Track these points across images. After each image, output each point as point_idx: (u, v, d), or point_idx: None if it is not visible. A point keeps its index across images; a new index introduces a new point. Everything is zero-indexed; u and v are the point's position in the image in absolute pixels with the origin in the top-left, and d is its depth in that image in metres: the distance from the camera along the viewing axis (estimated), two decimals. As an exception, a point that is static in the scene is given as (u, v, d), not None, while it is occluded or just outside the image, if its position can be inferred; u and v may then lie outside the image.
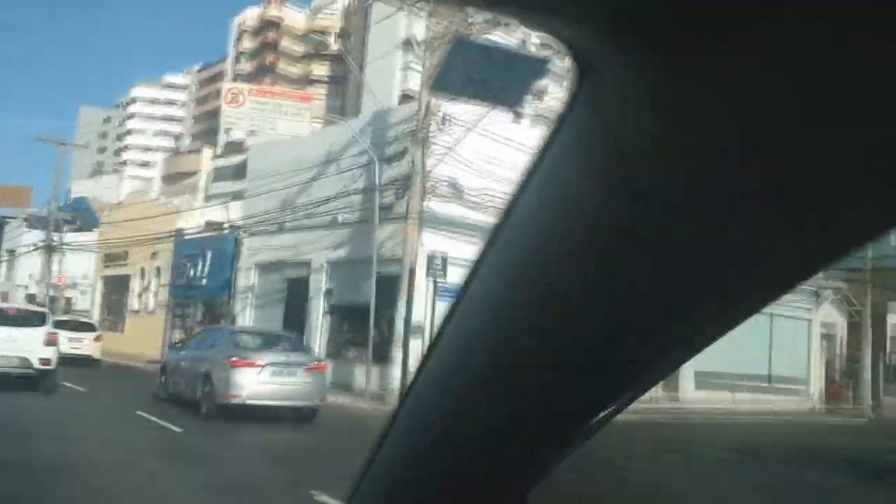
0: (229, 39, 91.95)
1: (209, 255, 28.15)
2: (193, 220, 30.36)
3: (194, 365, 14.30)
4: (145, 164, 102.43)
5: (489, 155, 18.84)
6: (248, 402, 12.78)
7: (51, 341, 15.31)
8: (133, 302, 33.23)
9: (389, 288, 19.59)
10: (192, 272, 29.03)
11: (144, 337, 30.86)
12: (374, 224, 19.51)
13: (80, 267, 39.08)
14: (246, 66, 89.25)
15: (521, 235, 0.73)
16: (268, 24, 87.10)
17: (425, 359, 0.88)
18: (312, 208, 22.67)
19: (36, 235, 40.08)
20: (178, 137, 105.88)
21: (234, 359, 13.09)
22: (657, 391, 23.28)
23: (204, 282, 28.33)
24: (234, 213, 28.54)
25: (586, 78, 0.59)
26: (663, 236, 0.61)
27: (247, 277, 26.42)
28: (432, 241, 19.30)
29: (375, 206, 19.45)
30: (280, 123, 19.95)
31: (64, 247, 35.61)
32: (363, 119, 23.26)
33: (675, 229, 0.60)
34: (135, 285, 33.30)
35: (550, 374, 0.74)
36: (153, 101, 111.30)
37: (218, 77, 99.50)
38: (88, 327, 26.62)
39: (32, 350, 14.78)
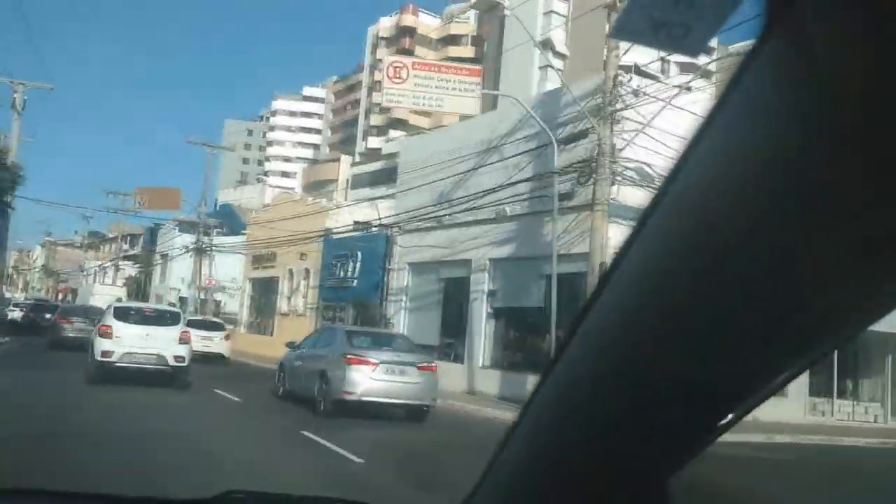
0: (365, 49, 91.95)
1: (359, 256, 26.31)
2: (341, 220, 28.68)
3: (310, 363, 14.29)
4: (286, 174, 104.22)
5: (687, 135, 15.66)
6: (363, 398, 12.81)
7: (184, 339, 15.72)
8: (282, 304, 31.98)
9: (566, 289, 16.81)
10: (341, 273, 27.31)
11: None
12: (553, 215, 16.78)
13: (228, 270, 38.57)
14: (380, 76, 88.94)
15: (680, 215, 0.68)
16: (402, 32, 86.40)
17: (559, 352, 0.86)
18: (472, 201, 20.22)
19: (187, 239, 40.16)
20: (316, 147, 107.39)
21: (349, 356, 13.06)
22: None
23: (354, 283, 26.51)
24: (384, 210, 26.58)
25: (786, 8, 0.53)
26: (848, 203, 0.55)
27: (400, 278, 24.32)
28: (619, 235, 16.35)
29: (555, 196, 16.72)
30: (446, 100, 17.60)
31: (213, 249, 35.04)
32: (530, 100, 20.51)
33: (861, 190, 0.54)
34: (283, 287, 32.05)
35: (692, 363, 0.72)
36: (292, 114, 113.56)
37: (353, 88, 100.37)
38: (218, 326, 27.12)
39: (167, 348, 15.22)
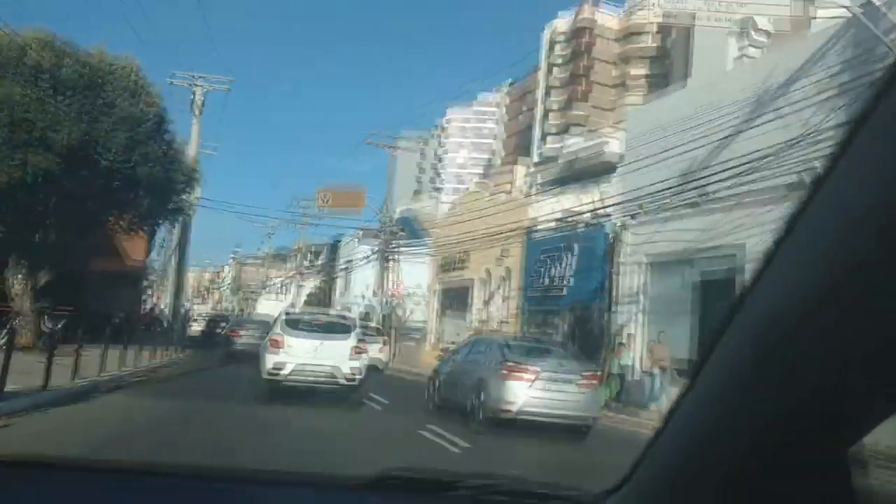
0: (540, 51, 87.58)
1: (574, 252, 21.58)
2: (544, 212, 24.07)
3: (465, 374, 13.31)
4: (461, 184, 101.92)
5: None
6: (521, 413, 11.74)
7: (359, 351, 13.91)
8: (476, 313, 27.81)
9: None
10: (550, 275, 22.69)
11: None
12: None
13: (413, 278, 35.17)
14: (559, 75, 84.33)
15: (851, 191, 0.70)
16: (580, 30, 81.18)
17: (727, 321, 0.87)
18: (742, 170, 14.93)
19: (369, 249, 37.40)
20: (491, 156, 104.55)
21: (506, 366, 12.10)
22: None
23: (568, 287, 21.79)
24: (597, 200, 21.64)
25: None
26: None
27: (632, 278, 19.27)
28: None
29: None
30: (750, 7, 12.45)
31: (399, 251, 31.65)
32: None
33: None
34: (477, 294, 27.89)
35: (872, 330, 0.72)
36: (465, 123, 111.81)
37: (528, 92, 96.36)
38: (377, 334, 26.67)
39: (340, 361, 13.46)
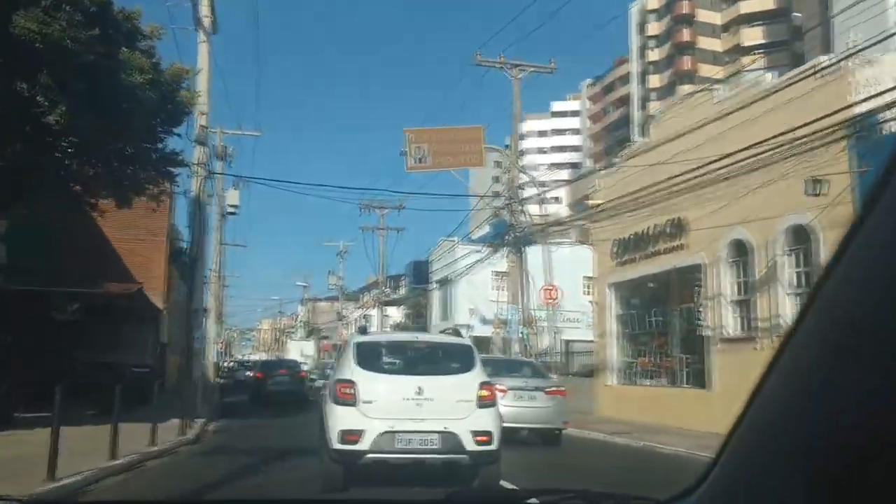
0: (629, 31, 75.02)
1: None
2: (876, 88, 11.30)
3: None
4: (543, 201, 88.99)
5: None
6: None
7: (487, 399, 7.76)
8: (725, 319, 14.88)
9: None
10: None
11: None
12: None
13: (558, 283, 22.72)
14: (654, 55, 71.52)
15: None
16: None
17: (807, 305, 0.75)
18: None
19: (479, 249, 25.48)
20: (574, 166, 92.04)
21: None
22: None
23: None
24: None
25: None
26: None
27: None
28: None
29: None
30: None
31: (546, 233, 19.25)
32: None
33: None
34: (717, 281, 15.03)
35: None
36: (542, 134, 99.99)
37: (614, 85, 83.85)
38: (535, 371, 17.60)
39: (460, 416, 7.53)
